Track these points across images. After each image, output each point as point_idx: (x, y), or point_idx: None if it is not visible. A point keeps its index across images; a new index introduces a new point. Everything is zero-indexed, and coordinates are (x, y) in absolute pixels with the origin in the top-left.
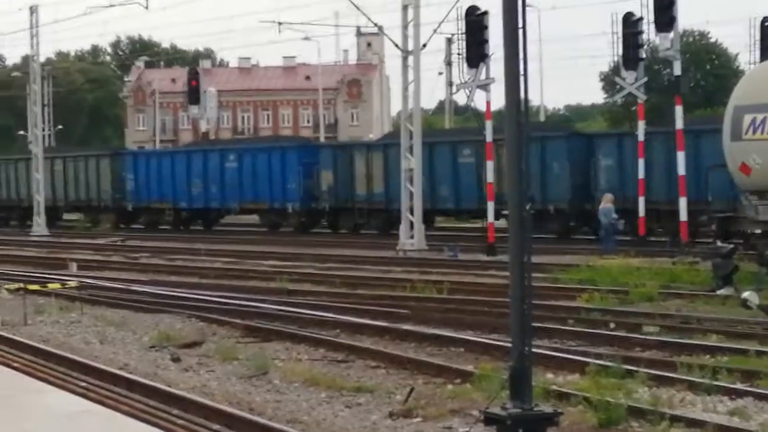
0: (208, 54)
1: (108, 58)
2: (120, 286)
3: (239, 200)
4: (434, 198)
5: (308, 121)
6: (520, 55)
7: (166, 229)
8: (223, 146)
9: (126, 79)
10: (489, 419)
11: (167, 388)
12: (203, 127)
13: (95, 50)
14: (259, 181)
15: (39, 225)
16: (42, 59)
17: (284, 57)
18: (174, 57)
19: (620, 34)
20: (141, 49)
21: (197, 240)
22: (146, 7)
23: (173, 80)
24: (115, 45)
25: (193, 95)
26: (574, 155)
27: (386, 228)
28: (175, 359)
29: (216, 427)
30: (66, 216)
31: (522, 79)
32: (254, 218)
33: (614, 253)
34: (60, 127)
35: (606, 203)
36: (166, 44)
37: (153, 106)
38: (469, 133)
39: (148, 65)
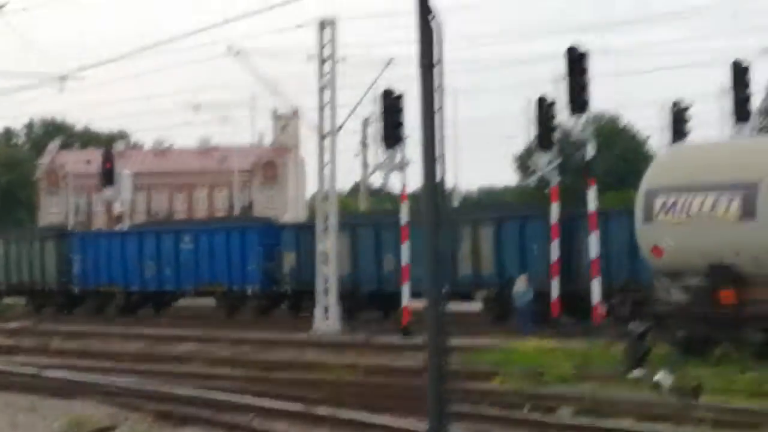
0: (123, 135)
1: (21, 140)
2: (30, 371)
3: (195, 282)
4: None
5: (223, 203)
6: (437, 137)
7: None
8: (178, 227)
9: (39, 162)
10: None
11: None
12: (117, 209)
13: (8, 132)
14: (217, 263)
15: None
16: None
17: (200, 138)
18: (88, 138)
19: (534, 117)
20: (55, 131)
21: (115, 324)
22: (60, 90)
23: (88, 162)
24: (29, 127)
25: (107, 177)
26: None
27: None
28: None
29: None
30: (6, 300)
31: (438, 161)
32: (208, 302)
33: (531, 334)
34: None
35: (521, 285)
36: (80, 126)
37: (66, 189)
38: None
39: (63, 147)
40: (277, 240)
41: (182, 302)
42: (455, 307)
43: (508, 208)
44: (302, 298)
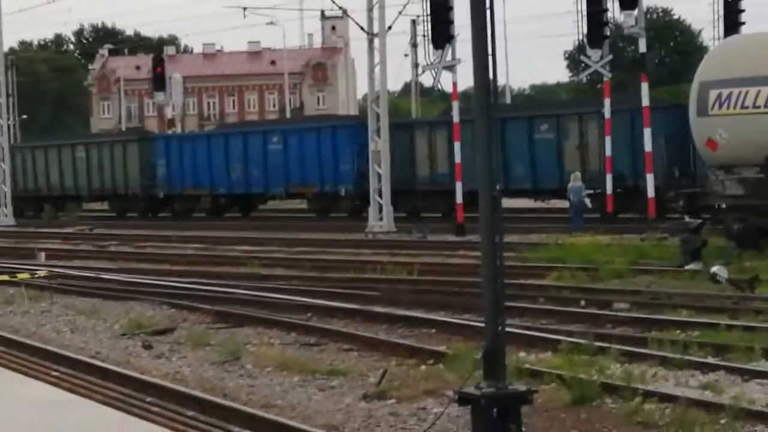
0: (173, 40)
1: (71, 46)
2: (89, 274)
3: (285, 184)
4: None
5: (274, 106)
6: (488, 34)
7: (133, 216)
8: (265, 127)
9: (90, 68)
10: (463, 399)
11: (140, 376)
12: (169, 113)
13: (58, 39)
14: (307, 163)
15: (6, 215)
16: (5, 49)
17: (249, 42)
18: (138, 44)
19: (585, 13)
20: (104, 37)
21: (168, 227)
22: None
23: (138, 67)
24: (79, 33)
25: (159, 82)
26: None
27: (450, 211)
28: (147, 347)
29: (190, 413)
30: (88, 206)
31: (490, 59)
32: (295, 204)
33: (583, 231)
34: (24, 116)
35: (575, 181)
36: (129, 31)
37: (118, 94)
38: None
39: (112, 53)
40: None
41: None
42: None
43: (568, 104)
44: (397, 199)
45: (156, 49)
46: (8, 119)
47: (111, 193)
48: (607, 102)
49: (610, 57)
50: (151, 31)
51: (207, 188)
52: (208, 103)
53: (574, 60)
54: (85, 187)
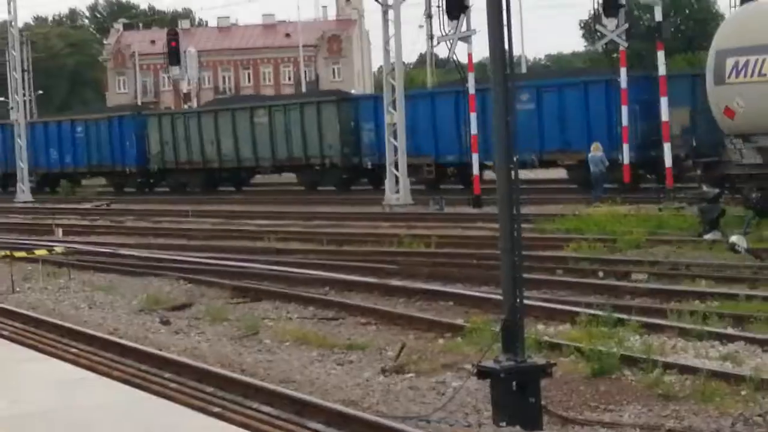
0: (187, 14)
1: (86, 21)
2: (107, 250)
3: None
4: None
5: (289, 79)
6: (503, 4)
7: (157, 191)
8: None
9: (105, 42)
10: (482, 373)
11: (159, 352)
12: (184, 88)
13: (73, 14)
14: None
15: (23, 191)
16: (20, 25)
17: (263, 15)
18: (152, 18)
19: None
20: (119, 12)
21: (182, 202)
22: None
23: (152, 42)
24: (93, 8)
25: (173, 56)
26: None
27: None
28: (165, 322)
29: (209, 389)
30: (262, 179)
31: (506, 28)
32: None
33: (601, 201)
34: (40, 92)
35: (595, 151)
36: (143, 5)
37: (133, 69)
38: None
39: (127, 27)
40: None
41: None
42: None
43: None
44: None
45: (170, 23)
46: (24, 95)
47: (301, 163)
48: (623, 71)
49: (626, 26)
50: (165, 5)
51: (431, 156)
52: (224, 77)
53: (590, 29)
54: (268, 157)
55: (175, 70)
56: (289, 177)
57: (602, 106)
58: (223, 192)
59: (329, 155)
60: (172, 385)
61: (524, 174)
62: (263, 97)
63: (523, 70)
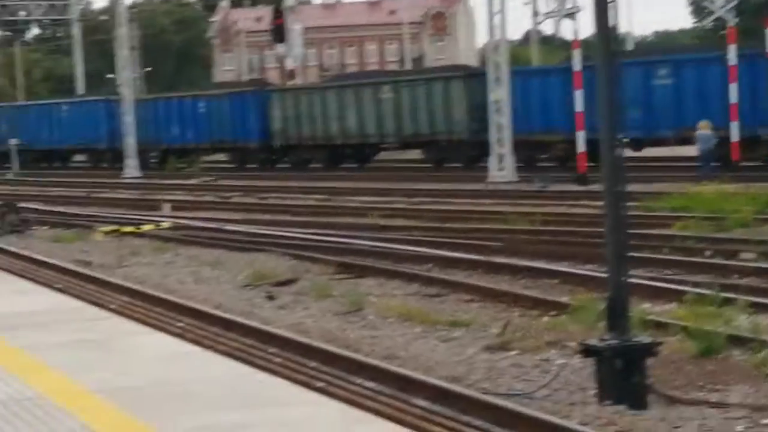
0: None
1: None
2: (213, 226)
3: None
4: None
5: (394, 56)
6: None
7: (256, 168)
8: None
9: (211, 20)
10: (587, 351)
11: (263, 327)
12: (289, 65)
13: None
14: None
15: (131, 167)
16: (128, 2)
17: None
18: None
19: None
20: None
21: (288, 178)
22: None
23: (258, 19)
24: None
25: (279, 34)
26: None
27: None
28: (270, 297)
29: (312, 364)
30: (388, 156)
31: (611, 5)
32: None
33: (709, 179)
34: (148, 69)
35: (703, 129)
36: None
37: (239, 46)
38: None
39: (233, 5)
40: None
41: None
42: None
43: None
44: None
45: (276, 0)
46: (132, 72)
47: (427, 139)
48: (731, 48)
49: (736, 2)
50: None
51: (562, 133)
52: (329, 55)
53: (698, 5)
54: (394, 134)
55: (280, 48)
56: (413, 154)
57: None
58: (344, 168)
59: (457, 131)
60: (277, 360)
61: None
62: (387, 72)
63: (630, 47)
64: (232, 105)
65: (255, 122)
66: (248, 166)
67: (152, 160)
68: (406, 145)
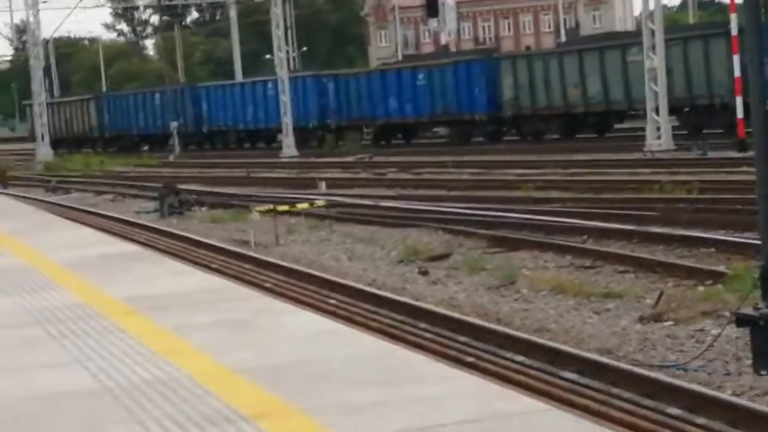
0: None
1: None
2: (367, 202)
3: None
4: None
5: (549, 27)
6: None
7: (414, 143)
8: None
9: None
10: (741, 320)
11: (414, 302)
12: (444, 39)
13: None
14: None
15: (288, 146)
16: None
17: None
18: None
19: None
20: None
21: (441, 153)
22: None
23: None
24: None
25: (432, 8)
26: None
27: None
28: (423, 273)
29: (463, 339)
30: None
31: None
32: None
33: None
34: (305, 48)
35: None
36: None
37: (393, 22)
38: None
39: None
40: None
41: None
42: None
43: None
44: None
45: None
46: (288, 52)
47: (686, 104)
48: None
49: None
50: None
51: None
52: (483, 27)
53: None
54: (642, 99)
55: (433, 23)
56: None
57: None
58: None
59: (719, 95)
60: (427, 335)
61: None
62: (628, 33)
63: None
64: (456, 75)
65: (482, 92)
66: (474, 140)
67: (366, 138)
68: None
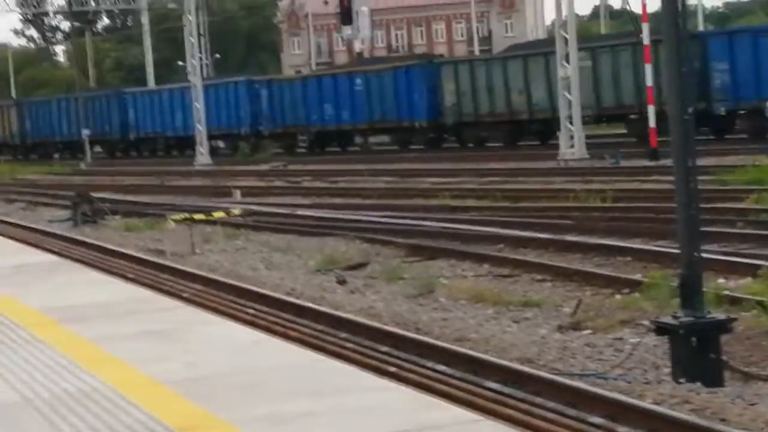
0: None
1: None
2: (283, 211)
3: None
4: None
5: (462, 35)
6: None
7: (331, 151)
8: None
9: (279, 3)
10: (660, 329)
11: (334, 312)
12: (357, 47)
13: None
14: None
15: (202, 154)
16: None
17: None
18: None
19: None
20: None
21: (356, 161)
22: None
23: (326, 2)
24: None
25: (346, 16)
26: None
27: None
28: (341, 282)
29: (384, 348)
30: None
31: None
32: None
33: None
34: (217, 55)
35: None
36: None
37: (307, 30)
38: None
39: None
40: None
41: None
42: None
43: None
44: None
45: None
46: (200, 59)
47: (632, 111)
48: None
49: None
50: None
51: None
52: (396, 35)
53: None
54: (591, 105)
55: (347, 30)
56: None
57: None
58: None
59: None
60: (348, 344)
61: None
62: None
63: (699, 18)
64: (395, 80)
65: (422, 99)
66: (412, 147)
67: (301, 145)
68: (599, 119)
